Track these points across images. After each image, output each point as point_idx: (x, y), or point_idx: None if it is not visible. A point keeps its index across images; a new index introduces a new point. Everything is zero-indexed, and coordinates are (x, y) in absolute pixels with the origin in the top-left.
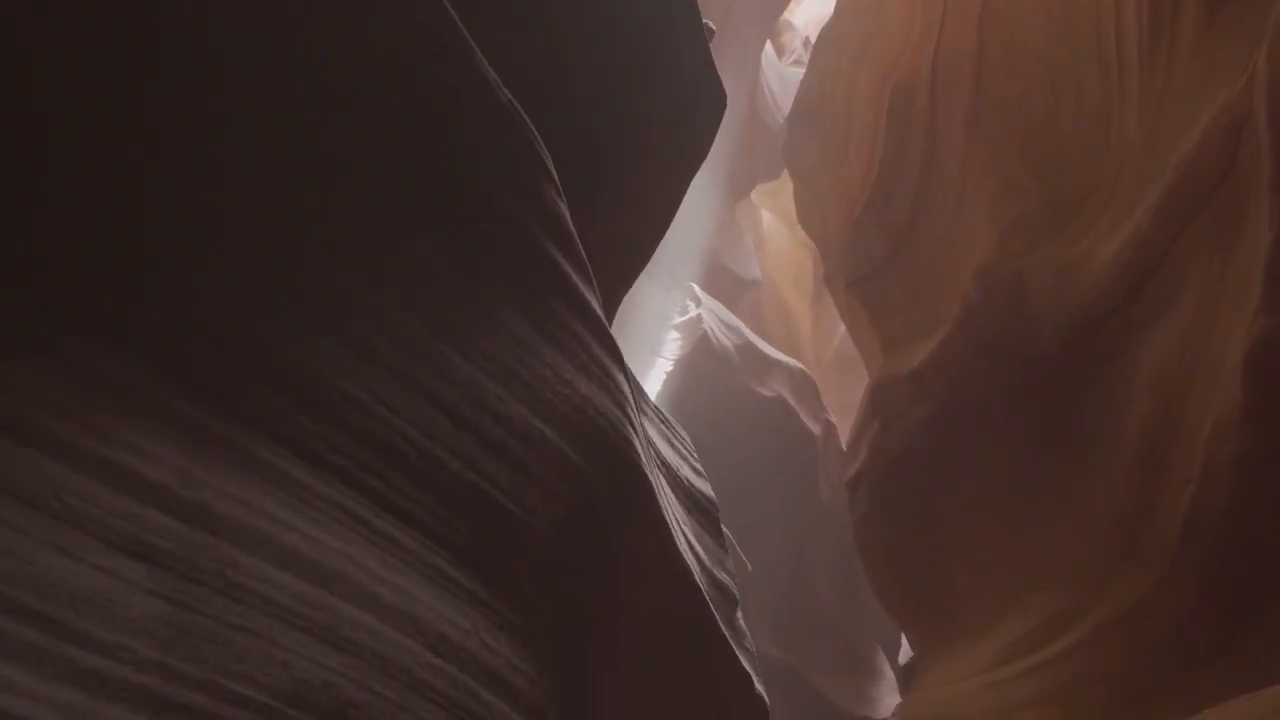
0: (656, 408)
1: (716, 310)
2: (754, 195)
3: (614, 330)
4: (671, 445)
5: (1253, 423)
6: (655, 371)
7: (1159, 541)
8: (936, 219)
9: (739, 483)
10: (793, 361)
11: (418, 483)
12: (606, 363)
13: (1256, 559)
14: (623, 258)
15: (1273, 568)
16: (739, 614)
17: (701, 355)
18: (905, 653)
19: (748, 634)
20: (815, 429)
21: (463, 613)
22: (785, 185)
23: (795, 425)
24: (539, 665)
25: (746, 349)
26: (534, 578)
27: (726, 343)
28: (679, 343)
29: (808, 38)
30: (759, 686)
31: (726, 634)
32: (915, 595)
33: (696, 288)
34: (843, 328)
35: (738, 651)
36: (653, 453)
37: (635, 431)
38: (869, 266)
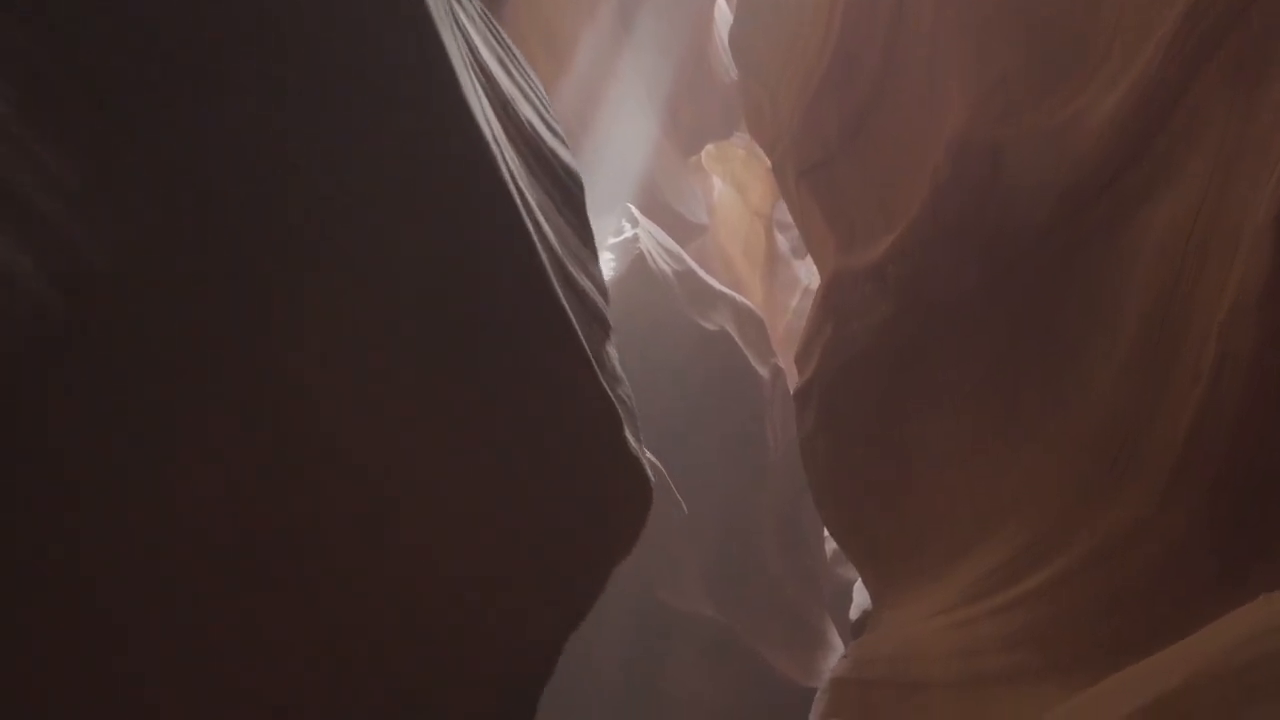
0: (485, 11)
1: (655, 234)
2: (705, 160)
3: None
4: (510, 75)
5: (1279, 300)
6: None
7: (1158, 453)
8: (902, 94)
9: (677, 423)
10: (739, 297)
11: None
12: None
13: (1276, 471)
14: None
15: None
16: (611, 351)
17: (636, 278)
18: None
19: (625, 380)
20: (763, 372)
21: None
22: (735, 151)
23: (741, 365)
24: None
25: (688, 277)
26: None
27: (665, 268)
28: (612, 263)
29: None
30: (642, 459)
31: (594, 365)
32: (871, 524)
33: (634, 209)
34: (796, 300)
35: (612, 396)
36: (465, 49)
37: None
38: (823, 153)
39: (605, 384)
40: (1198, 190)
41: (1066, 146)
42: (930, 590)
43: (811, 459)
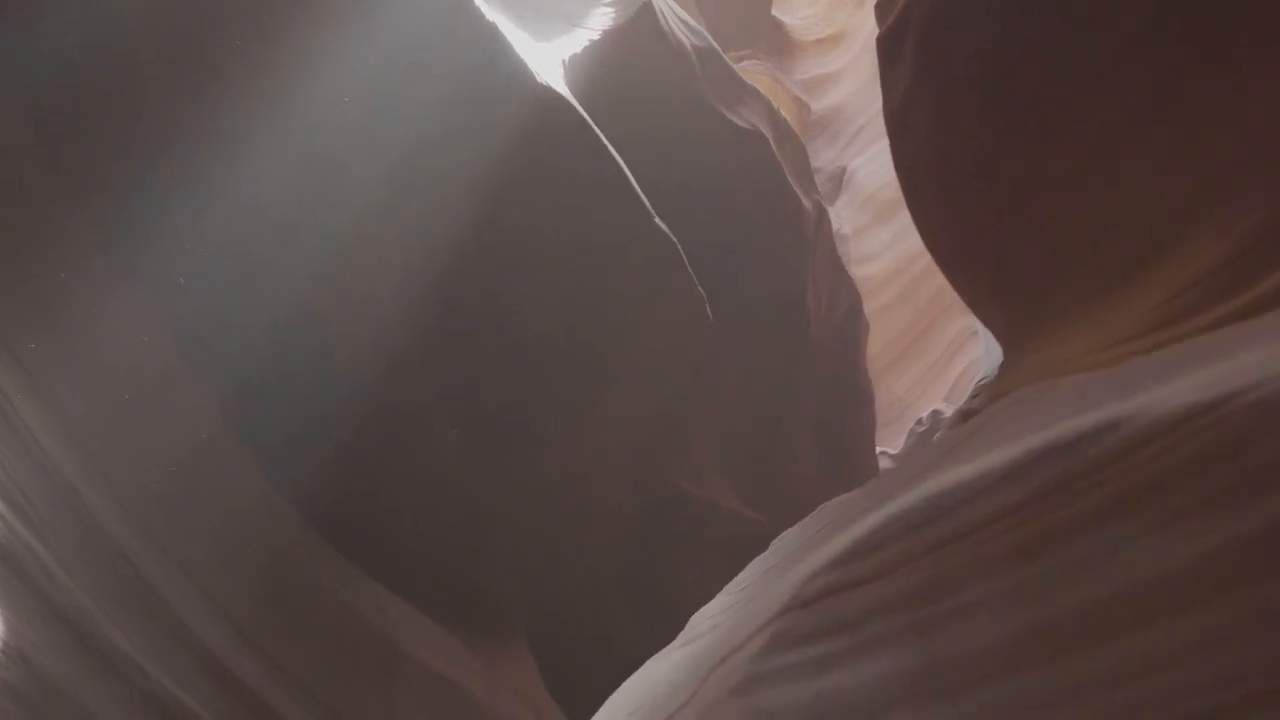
0: None
1: (671, 3)
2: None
3: None
4: None
5: None
6: (568, 40)
7: None
8: None
9: (697, 233)
10: (777, 108)
11: None
12: None
13: None
14: None
15: None
16: None
17: (644, 35)
18: None
19: None
20: (806, 204)
21: None
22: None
23: (779, 183)
24: None
25: (711, 57)
26: None
27: (683, 38)
28: (610, 15)
29: None
30: None
31: None
32: (996, 235)
33: None
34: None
35: None
36: None
37: None
38: None
39: None
40: None
41: None
42: (1096, 321)
43: (904, 140)
